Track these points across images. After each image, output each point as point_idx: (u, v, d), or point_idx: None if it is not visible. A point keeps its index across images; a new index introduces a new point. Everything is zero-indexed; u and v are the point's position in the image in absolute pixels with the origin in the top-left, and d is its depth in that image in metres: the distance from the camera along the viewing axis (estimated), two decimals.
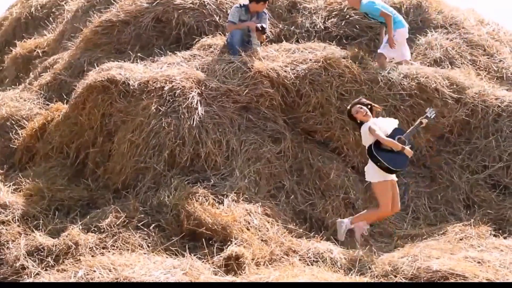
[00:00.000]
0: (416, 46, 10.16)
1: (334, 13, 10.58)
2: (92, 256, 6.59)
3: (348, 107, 7.74)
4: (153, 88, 8.37)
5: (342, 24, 10.39)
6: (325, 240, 7.31)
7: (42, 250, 6.86)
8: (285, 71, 8.77)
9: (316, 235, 7.41)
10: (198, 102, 8.29)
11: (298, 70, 8.81)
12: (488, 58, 10.24)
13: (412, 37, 10.21)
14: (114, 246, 6.83)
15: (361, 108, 7.54)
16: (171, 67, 8.87)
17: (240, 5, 9.56)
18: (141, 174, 7.95)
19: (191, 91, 8.37)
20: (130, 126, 8.22)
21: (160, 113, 8.13)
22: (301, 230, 7.52)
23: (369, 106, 7.60)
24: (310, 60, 8.92)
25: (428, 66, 9.58)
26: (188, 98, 8.26)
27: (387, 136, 7.45)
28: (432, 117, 7.84)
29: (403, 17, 9.92)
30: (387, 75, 8.92)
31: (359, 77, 8.82)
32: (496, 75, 10.01)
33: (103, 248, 6.80)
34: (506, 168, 8.62)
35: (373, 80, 8.86)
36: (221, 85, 8.57)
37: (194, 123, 8.08)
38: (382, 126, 7.54)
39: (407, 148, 7.45)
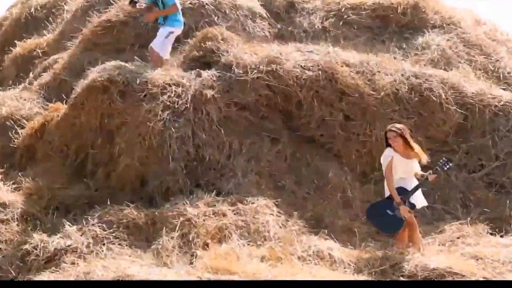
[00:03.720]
0: (413, 46, 10.17)
1: (332, 13, 10.60)
2: (92, 254, 6.63)
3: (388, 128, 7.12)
4: (153, 88, 8.40)
5: (340, 24, 10.40)
6: (324, 239, 7.35)
7: (41, 248, 6.90)
8: (288, 75, 8.69)
9: (315, 234, 7.45)
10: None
11: (303, 76, 8.63)
12: (485, 57, 10.27)
13: (409, 37, 10.25)
14: (114, 244, 6.88)
15: (395, 137, 6.94)
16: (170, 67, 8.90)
17: None
18: (142, 176, 8.00)
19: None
20: (130, 127, 8.26)
21: (160, 113, 8.17)
22: (299, 229, 7.55)
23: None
24: (317, 67, 8.69)
25: (424, 66, 9.58)
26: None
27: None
28: (445, 169, 7.13)
29: (400, 17, 9.95)
30: (390, 87, 8.82)
31: (365, 93, 8.67)
32: (493, 75, 10.05)
33: (103, 246, 6.84)
34: (502, 167, 8.66)
35: (378, 99, 8.67)
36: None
37: (195, 123, 8.12)
38: (404, 172, 6.94)
39: (405, 207, 6.91)
